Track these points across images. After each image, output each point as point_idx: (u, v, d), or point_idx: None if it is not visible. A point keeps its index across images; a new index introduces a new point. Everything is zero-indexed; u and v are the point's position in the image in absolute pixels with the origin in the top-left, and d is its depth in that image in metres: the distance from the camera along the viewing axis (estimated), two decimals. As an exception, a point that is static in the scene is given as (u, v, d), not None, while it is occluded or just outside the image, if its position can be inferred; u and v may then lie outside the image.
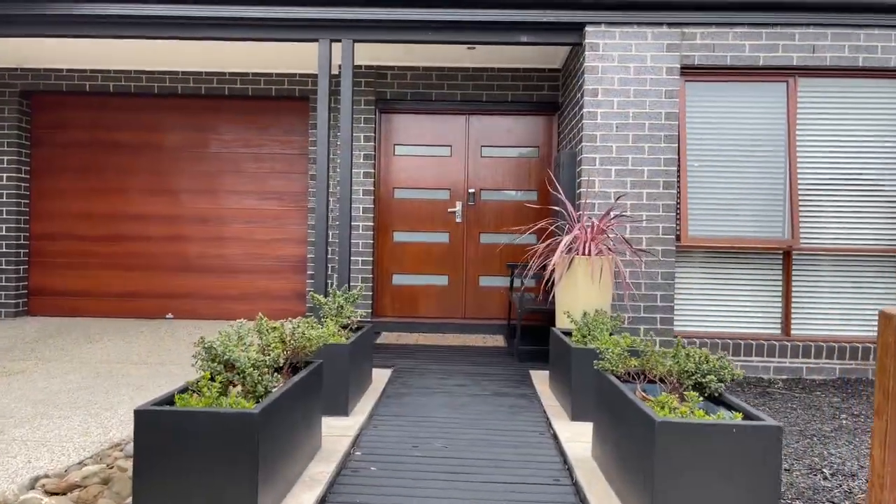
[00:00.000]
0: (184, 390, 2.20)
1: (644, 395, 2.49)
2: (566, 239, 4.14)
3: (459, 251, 6.17)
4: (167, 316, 6.52)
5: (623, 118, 4.67)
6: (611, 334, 3.74)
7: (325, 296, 4.40)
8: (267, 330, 2.70)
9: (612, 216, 4.35)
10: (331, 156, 5.70)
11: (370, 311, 6.03)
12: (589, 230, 4.21)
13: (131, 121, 6.51)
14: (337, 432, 3.05)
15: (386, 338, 5.69)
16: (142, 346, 5.20)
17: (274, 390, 2.34)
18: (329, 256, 5.78)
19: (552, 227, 4.45)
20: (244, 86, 6.30)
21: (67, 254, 6.57)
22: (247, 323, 2.63)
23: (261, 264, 6.51)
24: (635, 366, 2.65)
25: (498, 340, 5.65)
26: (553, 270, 4.23)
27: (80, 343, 5.30)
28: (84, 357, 4.82)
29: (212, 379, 2.31)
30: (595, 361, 2.72)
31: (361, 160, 6.02)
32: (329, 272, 5.90)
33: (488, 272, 6.18)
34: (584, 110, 4.68)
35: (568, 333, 3.96)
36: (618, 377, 2.63)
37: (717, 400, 2.34)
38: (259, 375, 2.31)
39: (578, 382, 3.30)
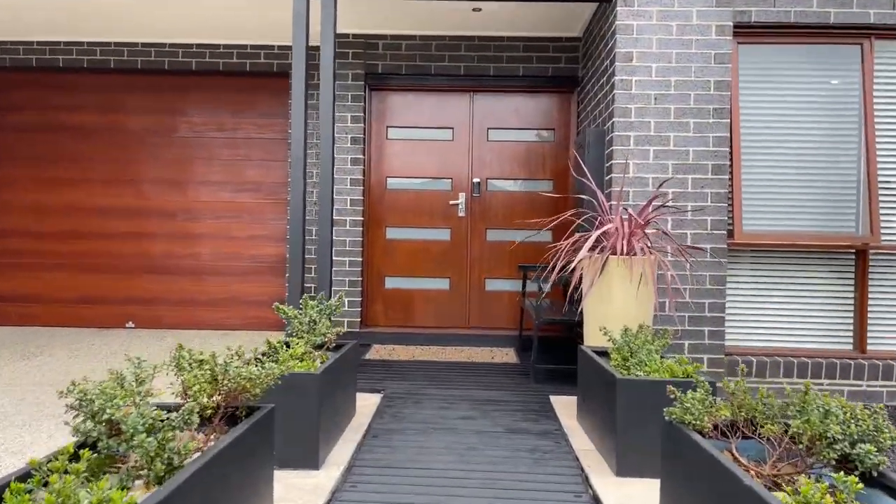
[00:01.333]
0: (25, 476, 1.37)
1: (745, 462, 1.67)
2: (595, 234, 3.31)
3: (462, 250, 5.34)
4: (128, 325, 5.69)
5: (663, 87, 3.83)
6: (661, 357, 2.92)
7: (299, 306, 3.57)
8: (190, 364, 1.87)
9: (654, 207, 3.51)
10: (308, 139, 4.87)
11: (358, 319, 5.20)
12: (626, 224, 3.38)
13: (86, 101, 5.67)
14: (300, 500, 2.22)
15: (377, 352, 4.86)
16: (87, 364, 4.37)
17: (188, 463, 1.52)
18: (309, 257, 4.96)
19: (579, 221, 3.61)
20: (214, 59, 5.47)
21: (16, 253, 5.74)
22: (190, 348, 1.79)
23: (235, 265, 5.68)
24: (726, 417, 1.82)
25: (508, 355, 4.82)
26: (580, 274, 3.40)
27: (15, 359, 4.47)
28: (14, 377, 3.99)
29: (92, 448, 1.49)
30: (667, 410, 1.89)
31: (349, 144, 5.18)
32: (308, 275, 5.06)
33: (496, 274, 5.35)
34: (616, 78, 3.85)
35: (602, 353, 3.14)
36: (701, 432, 1.80)
37: (870, 479, 1.52)
38: (160, 442, 1.48)
39: (627, 424, 2.47)
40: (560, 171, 5.31)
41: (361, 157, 5.20)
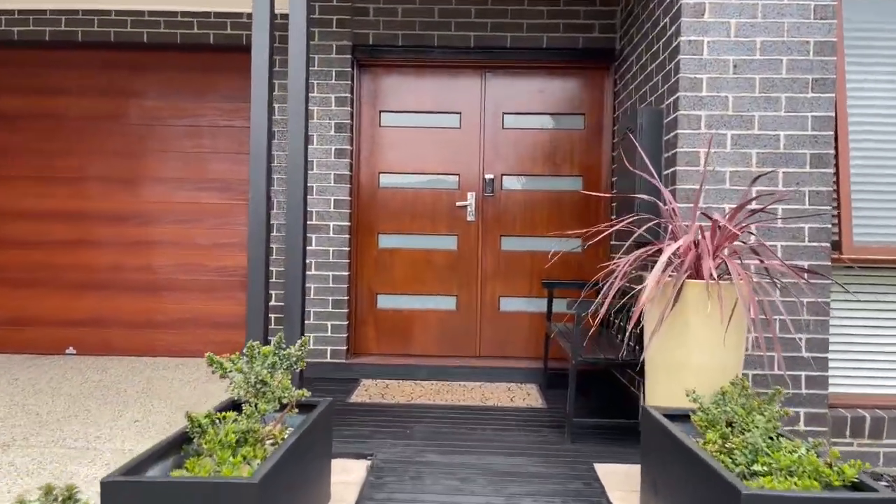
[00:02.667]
0: None
1: None
2: (670, 249, 2.34)
3: (472, 262, 4.37)
4: (67, 351, 4.72)
5: (745, 51, 2.87)
6: (779, 436, 1.96)
7: (253, 353, 2.60)
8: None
9: (746, 212, 2.55)
10: (273, 127, 3.93)
11: (344, 347, 4.22)
12: (709, 236, 2.41)
13: (12, 81, 4.70)
14: None
15: (366, 390, 3.89)
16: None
17: None
18: (280, 270, 4.01)
19: (640, 231, 2.62)
20: (170, 30, 4.50)
21: (-64, 264, 4.78)
22: None
23: (199, 278, 4.72)
24: None
25: (531, 395, 3.85)
26: (645, 305, 2.42)
27: None
28: None
29: None
30: None
31: (332, 132, 4.22)
32: (276, 300, 4.11)
33: (514, 292, 4.38)
34: (682, 40, 2.88)
35: (678, 416, 2.19)
36: None
37: None
38: None
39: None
40: (591, 165, 4.34)
41: (348, 147, 4.23)
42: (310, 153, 4.21)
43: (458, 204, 4.35)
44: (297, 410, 2.21)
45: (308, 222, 4.20)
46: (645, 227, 2.54)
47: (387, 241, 4.41)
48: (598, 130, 4.34)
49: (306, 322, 4.20)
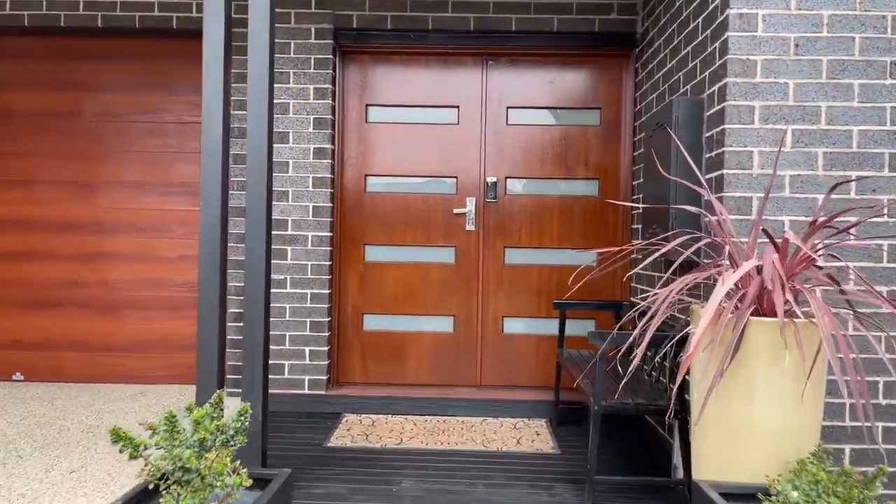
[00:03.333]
0: None
1: None
2: (729, 278, 1.79)
3: (471, 277, 3.82)
4: (14, 377, 4.17)
5: (809, 27, 2.32)
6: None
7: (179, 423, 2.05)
8: None
9: (821, 229, 1.99)
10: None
11: (325, 377, 3.67)
12: (777, 260, 1.86)
13: (-46, 71, 4.16)
14: None
15: (349, 429, 3.34)
16: None
17: None
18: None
19: (688, 253, 2.07)
20: (128, 13, 3.95)
21: None
22: None
23: (163, 295, 4.17)
24: None
25: (540, 435, 3.30)
26: (694, 348, 1.88)
27: None
28: None
29: None
30: None
31: (311, 129, 3.67)
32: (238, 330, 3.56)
33: (519, 311, 3.83)
34: (731, 13, 2.33)
35: (745, 497, 1.65)
36: None
37: None
38: None
39: None
40: (609, 167, 3.79)
41: (330, 146, 3.68)
42: (285, 153, 3.66)
43: (455, 211, 3.80)
44: (250, 482, 1.66)
45: (283, 232, 3.66)
46: (694, 248, 1.99)
47: (374, 254, 3.86)
48: (616, 127, 3.79)
49: (280, 348, 3.65)
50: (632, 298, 3.65)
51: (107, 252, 4.18)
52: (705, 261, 2.34)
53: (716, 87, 2.46)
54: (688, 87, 2.79)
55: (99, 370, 4.18)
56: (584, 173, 3.80)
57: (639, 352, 1.93)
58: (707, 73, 2.56)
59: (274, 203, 3.64)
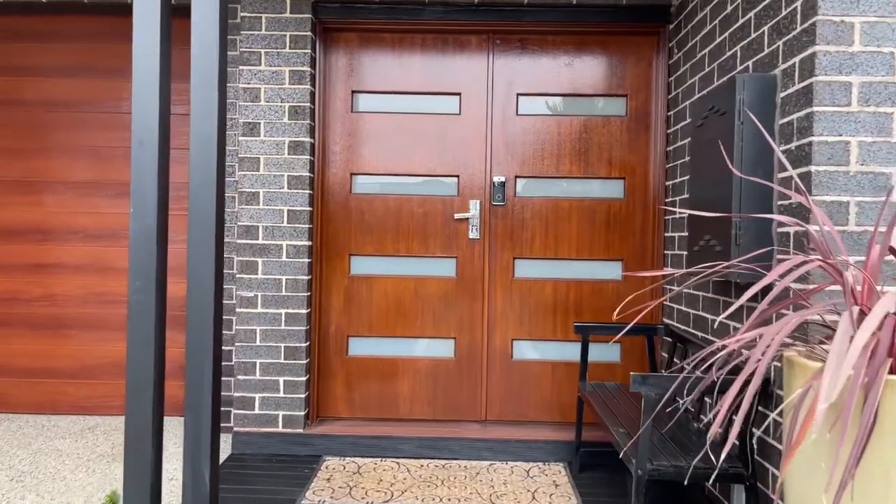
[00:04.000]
0: None
1: None
2: (866, 326, 1.23)
3: (476, 294, 3.26)
4: (-56, 408, 3.60)
5: (928, -22, 1.77)
6: None
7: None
8: None
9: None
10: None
11: (303, 412, 3.10)
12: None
13: None
14: None
15: (329, 478, 2.78)
16: None
17: None
18: (227, 303, 2.87)
19: (785, 282, 1.51)
20: (73, -16, 3.38)
21: None
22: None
23: (118, 312, 3.60)
24: None
25: (558, 485, 2.74)
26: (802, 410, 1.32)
27: None
28: None
29: None
30: None
31: (285, 119, 3.10)
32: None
33: (531, 332, 3.27)
34: (822, -41, 1.78)
35: None
36: None
37: None
38: None
39: None
40: (637, 164, 3.23)
41: (309, 140, 3.11)
42: (255, 147, 3.10)
43: (457, 216, 3.24)
44: None
45: (252, 242, 3.09)
46: (797, 273, 1.42)
47: (362, 266, 3.29)
48: (645, 118, 3.24)
49: (250, 378, 3.08)
50: (665, 320, 3.09)
51: (52, 262, 3.61)
52: (795, 285, 1.78)
53: (796, 60, 1.90)
54: (748, 63, 2.23)
55: (45, 399, 3.61)
56: (607, 171, 3.24)
57: (718, 419, 1.37)
58: (781, 42, 2.00)
59: (242, 207, 3.08)
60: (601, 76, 3.25)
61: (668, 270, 1.44)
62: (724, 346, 1.78)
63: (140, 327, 1.83)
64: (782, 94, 1.98)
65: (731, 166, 1.68)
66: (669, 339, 2.94)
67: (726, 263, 1.45)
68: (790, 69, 1.94)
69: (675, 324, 2.92)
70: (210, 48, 1.83)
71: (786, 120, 1.95)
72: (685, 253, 2.81)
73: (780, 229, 1.95)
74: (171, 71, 1.90)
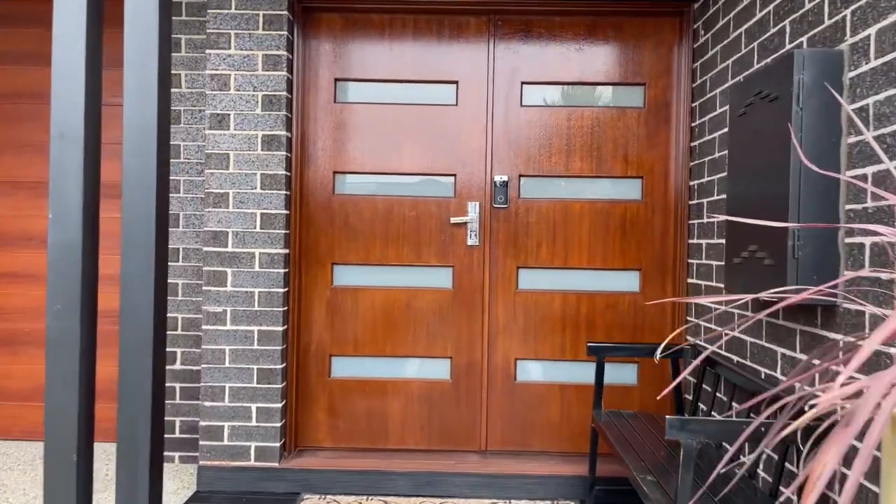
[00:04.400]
0: None
1: None
2: None
3: (474, 306, 2.89)
4: None
5: None
6: None
7: None
8: None
9: None
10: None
11: (278, 442, 2.73)
12: None
13: None
14: None
15: (306, 524, 2.41)
16: None
17: None
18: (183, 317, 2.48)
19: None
20: (21, -42, 3.01)
21: None
22: None
23: (78, 326, 3.21)
24: None
25: (572, 533, 2.37)
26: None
27: None
28: None
29: None
30: None
31: (258, 111, 2.73)
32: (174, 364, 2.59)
33: (537, 351, 2.90)
34: None
35: None
36: None
37: None
38: None
39: None
40: (656, 161, 2.87)
41: (285, 134, 2.74)
42: (224, 142, 2.73)
43: (453, 220, 2.87)
44: None
45: (221, 249, 2.72)
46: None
47: (346, 277, 2.92)
48: (664, 109, 2.87)
49: (218, 405, 2.71)
50: (691, 338, 2.73)
51: (3, 272, 3.24)
52: (870, 308, 1.42)
53: (871, 31, 1.54)
54: (801, 39, 1.87)
55: (-6, 424, 3.24)
56: (622, 170, 2.87)
57: (810, 497, 1.00)
58: (847, 11, 1.63)
59: (209, 210, 2.71)
60: (616, 63, 2.88)
61: (732, 297, 1.07)
62: (791, 388, 1.41)
63: (61, 361, 1.46)
64: (852, 74, 1.62)
65: (803, 159, 1.31)
66: (696, 360, 2.57)
67: (814, 290, 1.08)
68: (862, 43, 1.58)
69: (704, 344, 2.55)
70: (147, 12, 1.46)
71: (858, 105, 1.59)
72: (719, 264, 2.45)
73: (848, 239, 1.59)
74: (101, 50, 1.51)
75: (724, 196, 2.39)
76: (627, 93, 2.90)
